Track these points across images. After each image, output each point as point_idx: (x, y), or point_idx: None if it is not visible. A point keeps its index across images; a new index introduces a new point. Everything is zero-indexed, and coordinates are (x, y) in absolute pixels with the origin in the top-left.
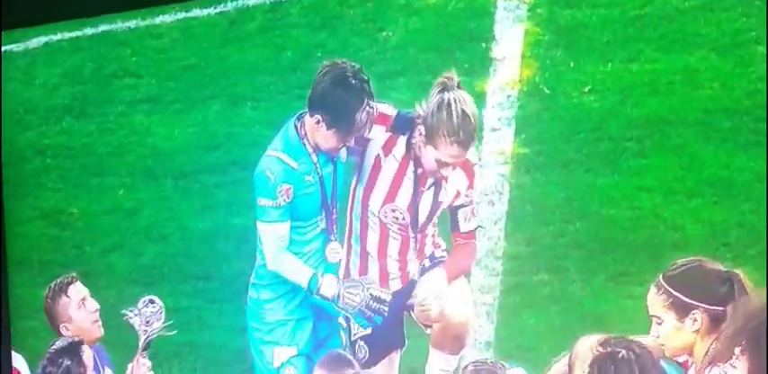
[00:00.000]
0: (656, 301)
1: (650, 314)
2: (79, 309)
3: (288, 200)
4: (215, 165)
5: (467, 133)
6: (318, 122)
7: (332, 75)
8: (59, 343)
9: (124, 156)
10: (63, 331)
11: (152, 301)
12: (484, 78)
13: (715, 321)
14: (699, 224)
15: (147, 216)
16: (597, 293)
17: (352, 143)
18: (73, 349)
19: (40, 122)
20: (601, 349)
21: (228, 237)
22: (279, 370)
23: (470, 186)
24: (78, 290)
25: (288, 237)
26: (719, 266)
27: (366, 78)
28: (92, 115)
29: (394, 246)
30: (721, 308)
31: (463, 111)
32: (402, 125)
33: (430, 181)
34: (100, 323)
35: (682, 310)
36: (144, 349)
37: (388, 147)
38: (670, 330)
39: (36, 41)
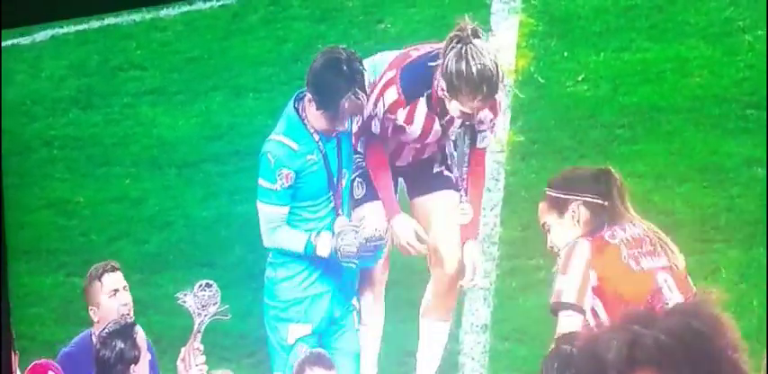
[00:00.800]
0: (542, 210)
1: (541, 225)
2: (110, 298)
3: (287, 185)
4: (218, 155)
5: (490, 87)
6: (310, 101)
7: (326, 58)
8: (112, 326)
9: (129, 147)
10: (91, 314)
11: (208, 285)
12: None
13: (595, 213)
14: (689, 208)
15: (151, 204)
16: None
17: (343, 128)
18: (126, 331)
19: (46, 114)
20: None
21: (231, 225)
22: (293, 347)
23: (495, 118)
24: (115, 280)
25: (283, 220)
26: (594, 168)
27: (360, 69)
28: (98, 106)
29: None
30: (600, 200)
31: (483, 64)
32: (415, 91)
33: (458, 122)
34: (130, 316)
35: (561, 207)
36: (198, 331)
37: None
38: (556, 230)
39: (42, 34)
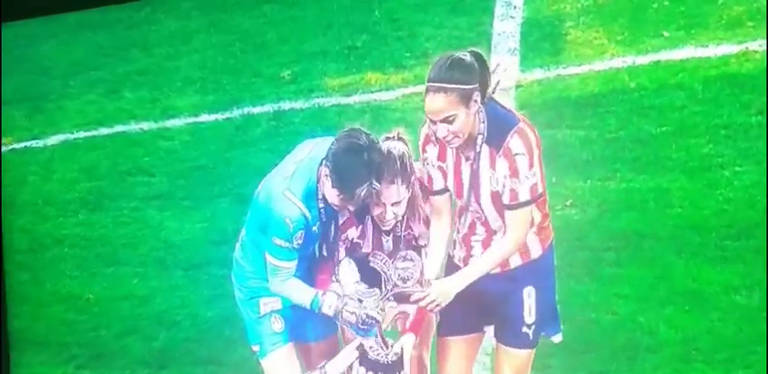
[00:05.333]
0: (440, 103)
1: (442, 117)
2: None
3: (301, 243)
4: (223, 259)
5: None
6: (327, 176)
7: (348, 142)
8: None
9: (137, 248)
10: None
11: (407, 258)
12: None
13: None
14: (672, 329)
15: (158, 303)
16: None
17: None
18: None
19: (58, 214)
20: None
21: (235, 325)
22: (266, 318)
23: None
24: None
25: (291, 273)
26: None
27: (377, 159)
28: (107, 209)
29: None
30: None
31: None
32: (363, 212)
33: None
34: None
35: (467, 98)
36: (386, 298)
37: None
38: (463, 120)
39: (54, 139)
